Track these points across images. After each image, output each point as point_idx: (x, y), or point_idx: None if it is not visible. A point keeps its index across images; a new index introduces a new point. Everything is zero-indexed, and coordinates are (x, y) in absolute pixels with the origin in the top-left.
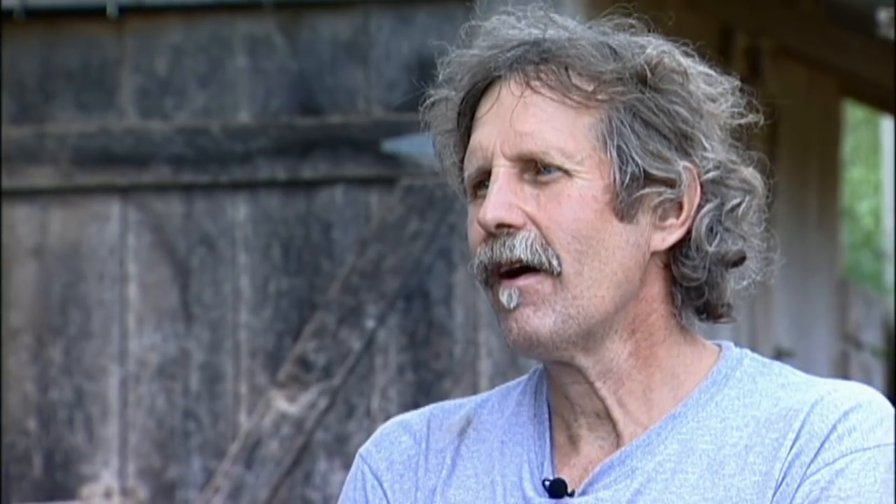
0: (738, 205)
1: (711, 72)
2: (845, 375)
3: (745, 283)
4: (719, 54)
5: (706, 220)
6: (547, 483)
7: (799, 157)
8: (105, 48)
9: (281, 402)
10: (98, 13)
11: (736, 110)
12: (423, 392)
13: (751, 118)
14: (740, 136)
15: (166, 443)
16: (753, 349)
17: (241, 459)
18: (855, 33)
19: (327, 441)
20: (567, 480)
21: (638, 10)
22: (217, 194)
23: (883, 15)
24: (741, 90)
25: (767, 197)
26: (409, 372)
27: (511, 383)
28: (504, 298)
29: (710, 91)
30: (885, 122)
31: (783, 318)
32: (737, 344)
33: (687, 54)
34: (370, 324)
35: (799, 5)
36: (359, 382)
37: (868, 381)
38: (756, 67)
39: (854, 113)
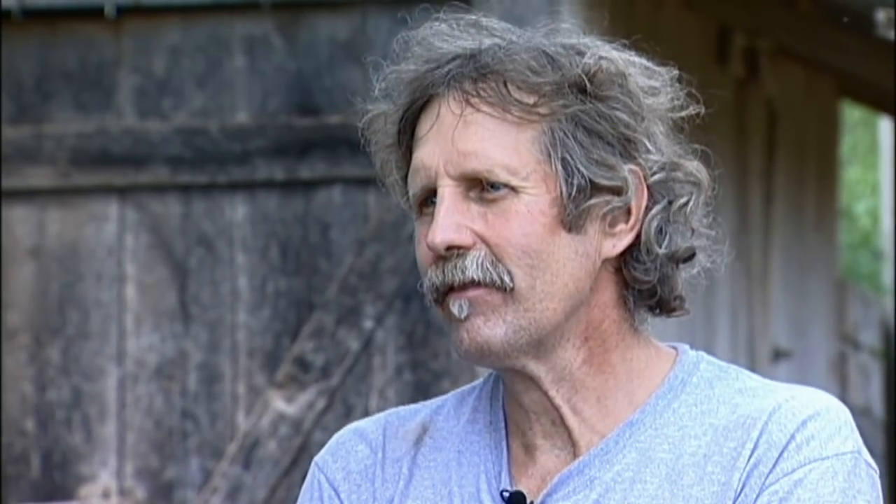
0: (686, 203)
1: (649, 64)
2: (843, 376)
3: (694, 271)
4: (717, 54)
5: (655, 222)
6: (506, 494)
7: (797, 157)
8: (103, 48)
9: (279, 403)
10: (96, 13)
11: (676, 102)
12: (420, 392)
13: (692, 109)
14: (682, 128)
15: (164, 443)
16: (751, 349)
17: (239, 460)
18: (853, 33)
19: (325, 441)
20: (525, 492)
21: (636, 10)
22: (215, 194)
23: (881, 15)
24: (679, 80)
25: (713, 188)
26: (408, 372)
27: (466, 388)
28: (455, 309)
29: (650, 84)
30: (883, 123)
31: (781, 319)
32: (692, 346)
33: (624, 47)
34: (368, 324)
35: (797, 5)
36: (357, 383)
37: (866, 381)
38: (754, 67)
39: (852, 113)
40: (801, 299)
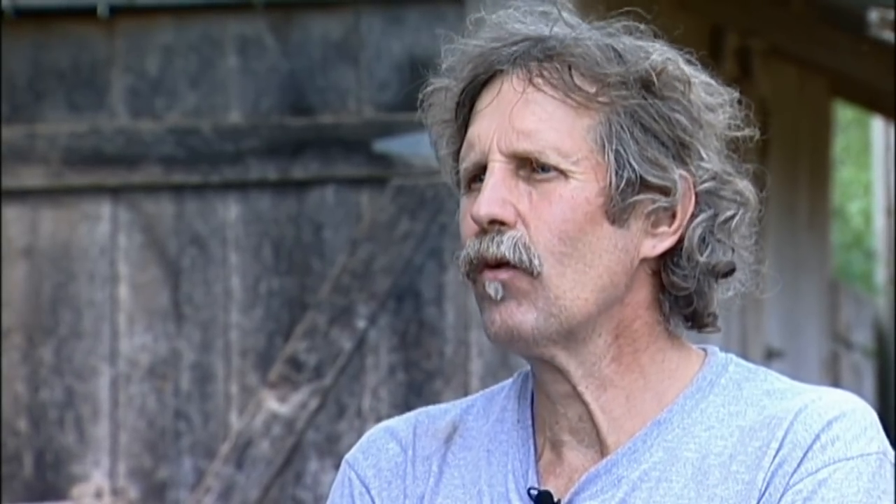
0: (732, 217)
1: (712, 81)
2: (836, 376)
3: (731, 293)
4: (710, 54)
5: (699, 231)
6: (533, 493)
7: (789, 157)
8: (96, 48)
9: (272, 403)
10: (89, 13)
11: (733, 122)
12: (413, 392)
13: (748, 132)
14: (737, 147)
15: (157, 443)
16: (744, 349)
17: (232, 460)
18: (846, 33)
19: (318, 441)
20: (553, 491)
21: (629, 10)
22: (208, 194)
23: (874, 15)
24: (739, 102)
25: (760, 211)
26: (400, 372)
27: (496, 387)
28: (491, 290)
29: (710, 101)
30: (876, 123)
31: (774, 319)
32: (722, 348)
33: (689, 62)
34: (361, 324)
35: (790, 5)
36: (350, 382)
37: (858, 381)
38: (747, 67)
39: (844, 113)
40: (794, 299)
